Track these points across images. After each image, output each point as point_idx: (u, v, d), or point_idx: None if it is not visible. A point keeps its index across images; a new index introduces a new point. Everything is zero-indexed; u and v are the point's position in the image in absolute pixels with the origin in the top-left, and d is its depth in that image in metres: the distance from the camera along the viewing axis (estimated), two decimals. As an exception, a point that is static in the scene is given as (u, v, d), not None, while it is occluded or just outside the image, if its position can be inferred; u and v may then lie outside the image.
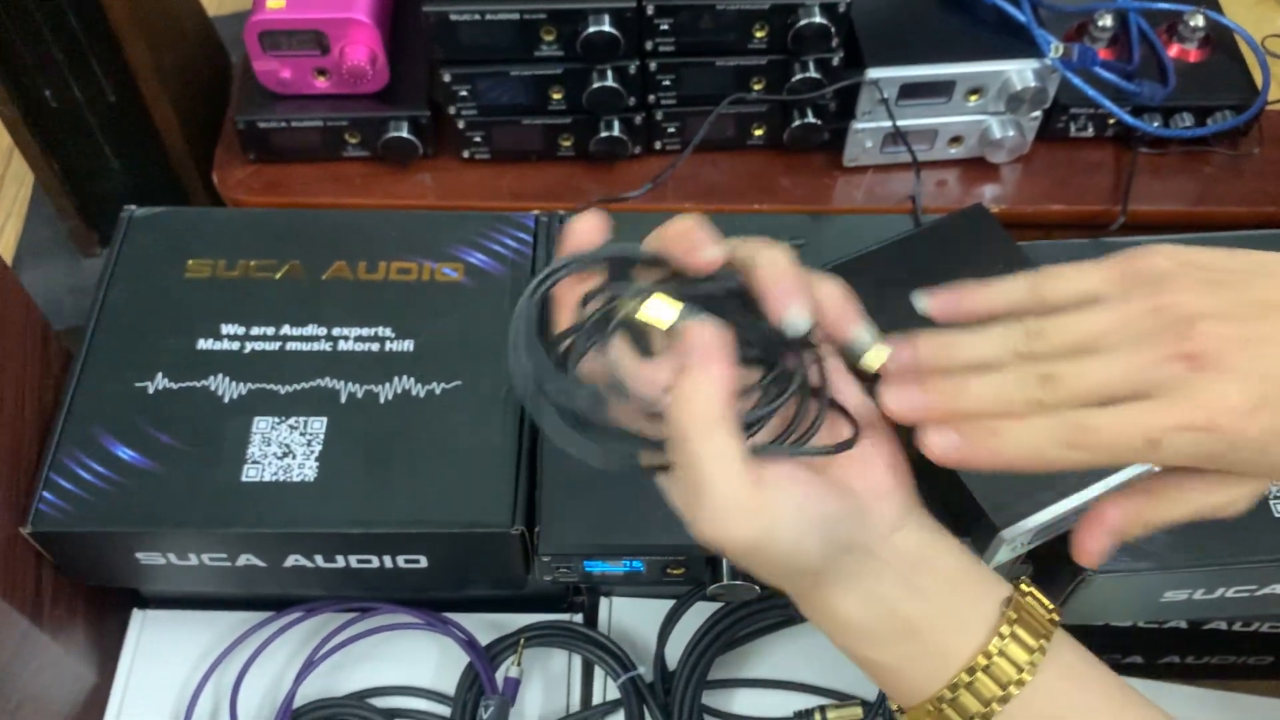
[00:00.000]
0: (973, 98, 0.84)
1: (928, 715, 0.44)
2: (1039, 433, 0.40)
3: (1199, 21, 0.87)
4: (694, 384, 0.40)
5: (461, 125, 0.84)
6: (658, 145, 0.87)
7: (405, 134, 0.85)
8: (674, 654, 0.71)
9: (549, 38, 0.79)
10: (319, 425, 0.68)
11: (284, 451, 0.67)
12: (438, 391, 0.69)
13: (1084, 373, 0.40)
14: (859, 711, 0.70)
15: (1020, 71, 0.82)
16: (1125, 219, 0.86)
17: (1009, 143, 0.86)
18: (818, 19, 0.78)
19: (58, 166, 0.99)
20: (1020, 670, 0.42)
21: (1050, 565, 0.66)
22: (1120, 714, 0.45)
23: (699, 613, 0.72)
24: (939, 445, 0.41)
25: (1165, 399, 0.38)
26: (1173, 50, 0.88)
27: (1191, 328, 0.38)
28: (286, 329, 0.72)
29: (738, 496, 0.40)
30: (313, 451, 0.67)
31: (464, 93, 0.82)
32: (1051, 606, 0.45)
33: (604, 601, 0.76)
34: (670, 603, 0.73)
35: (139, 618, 0.75)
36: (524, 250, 0.76)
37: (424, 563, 0.67)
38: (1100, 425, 0.39)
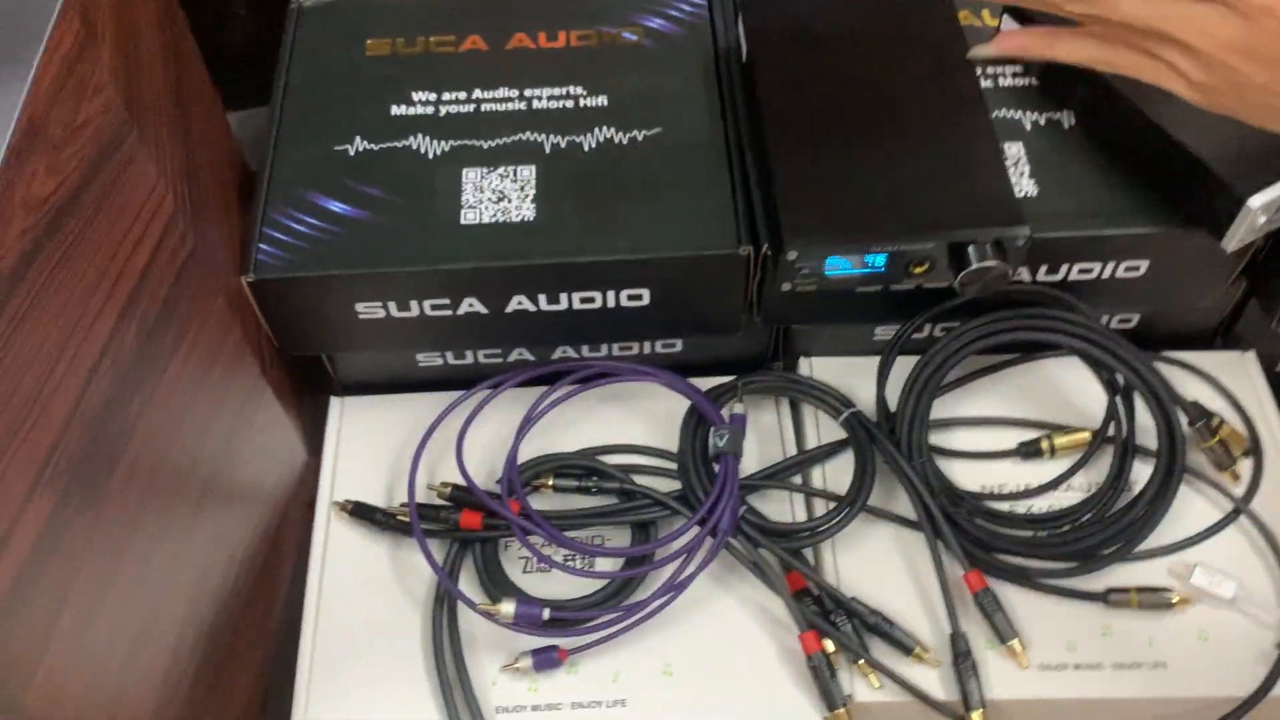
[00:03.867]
0: None
1: None
2: None
3: None
4: None
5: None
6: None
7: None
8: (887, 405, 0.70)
9: None
10: (528, 172, 0.67)
11: (499, 196, 0.66)
12: (640, 138, 0.69)
13: None
14: (1087, 435, 0.69)
15: None
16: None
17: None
18: None
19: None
20: None
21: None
22: None
23: (905, 365, 0.71)
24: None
25: None
26: None
27: None
28: (479, 93, 0.71)
29: None
30: (527, 195, 0.66)
31: None
32: None
33: (804, 361, 0.75)
34: (870, 359, 0.72)
35: (337, 404, 0.74)
36: (700, 13, 0.75)
37: (646, 298, 0.66)
38: None
